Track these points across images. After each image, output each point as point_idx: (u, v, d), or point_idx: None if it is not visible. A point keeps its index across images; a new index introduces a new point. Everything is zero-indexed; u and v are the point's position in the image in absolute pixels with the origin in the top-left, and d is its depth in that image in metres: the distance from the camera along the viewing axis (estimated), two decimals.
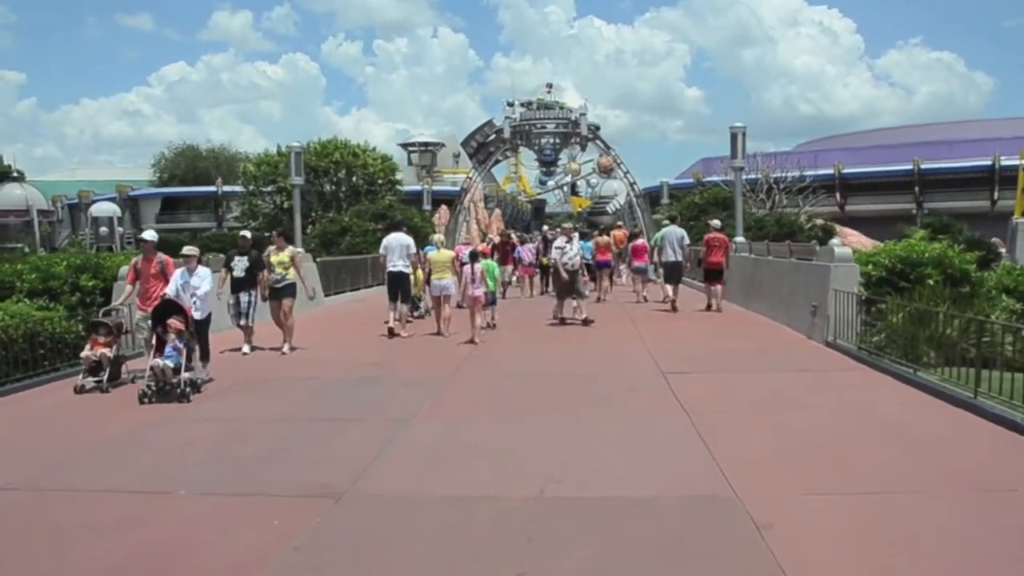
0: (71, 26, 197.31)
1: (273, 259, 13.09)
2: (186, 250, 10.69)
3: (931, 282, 11.63)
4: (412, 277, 15.36)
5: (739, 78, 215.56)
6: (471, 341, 13.42)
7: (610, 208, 76.87)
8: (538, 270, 23.84)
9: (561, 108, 48.84)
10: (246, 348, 12.84)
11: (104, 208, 64.31)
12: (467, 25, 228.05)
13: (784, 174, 44.02)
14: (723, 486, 5.78)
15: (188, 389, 9.16)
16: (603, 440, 7.14)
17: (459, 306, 16.76)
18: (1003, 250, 35.06)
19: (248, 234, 13.43)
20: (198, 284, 10.37)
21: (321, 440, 7.32)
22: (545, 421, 7.86)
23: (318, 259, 22.39)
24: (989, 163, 63.92)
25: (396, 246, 14.64)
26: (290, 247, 13.29)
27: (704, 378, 10.02)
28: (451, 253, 15.30)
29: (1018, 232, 49.49)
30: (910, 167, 66.07)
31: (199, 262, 10.67)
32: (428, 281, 15.21)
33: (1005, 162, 61.45)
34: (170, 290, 10.23)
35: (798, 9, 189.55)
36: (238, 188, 46.74)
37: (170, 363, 9.19)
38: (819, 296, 12.74)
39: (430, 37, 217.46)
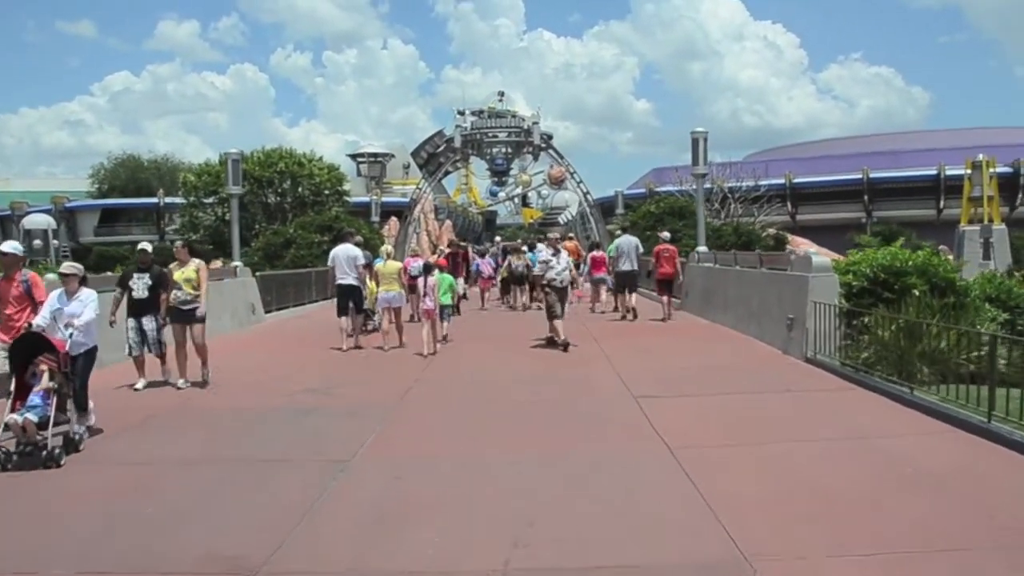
0: (8, 31, 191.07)
1: (177, 275, 10.80)
2: (65, 268, 8.49)
3: (917, 292, 10.82)
4: (366, 289, 14.89)
5: (687, 91, 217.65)
6: (421, 354, 12.94)
7: (562, 219, 76.23)
8: (497, 282, 23.66)
9: (513, 117, 47.80)
10: (140, 383, 10.44)
11: (37, 220, 61.74)
12: (417, 37, 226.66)
13: (739, 184, 43.55)
14: (727, 545, 4.76)
15: (59, 450, 6.92)
16: (577, 486, 6.08)
17: (412, 319, 16.44)
18: (950, 257, 34.97)
19: (148, 246, 11.10)
20: (78, 311, 7.97)
21: (241, 491, 6.13)
22: (507, 462, 6.76)
23: (258, 273, 21.05)
24: (935, 173, 64.59)
25: (344, 258, 14.20)
26: (195, 260, 11.10)
27: (679, 402, 9.04)
28: (399, 265, 14.74)
29: (964, 239, 50.05)
30: (859, 176, 66.52)
31: (82, 282, 8.31)
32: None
33: (950, 172, 62.17)
34: (39, 319, 7.92)
35: (743, 24, 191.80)
36: (180, 200, 45.03)
37: (33, 416, 6.94)
38: (796, 308, 11.87)
39: (380, 48, 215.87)
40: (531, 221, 77.97)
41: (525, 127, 46.71)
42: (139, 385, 10.44)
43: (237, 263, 19.91)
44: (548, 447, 7.21)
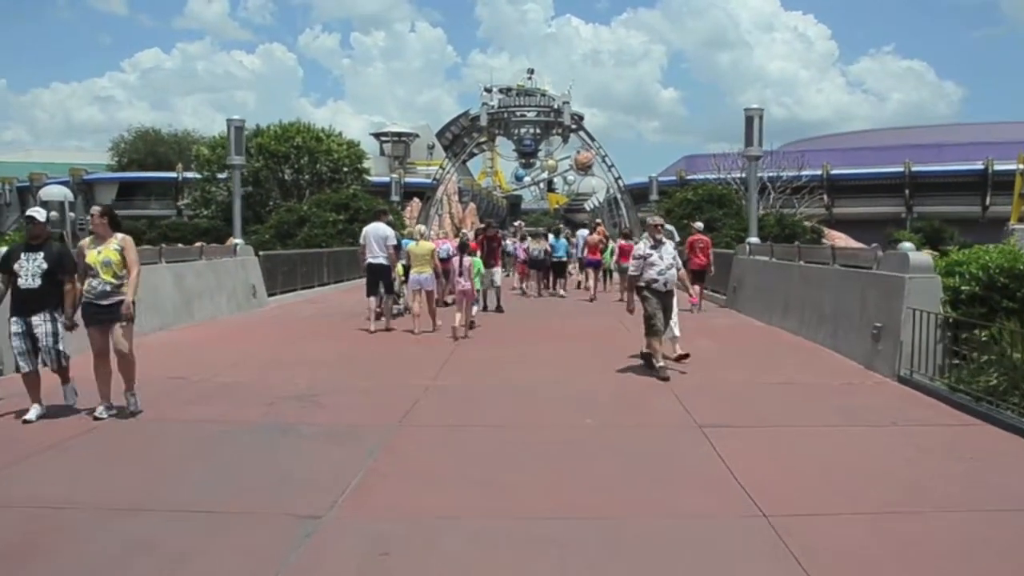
0: (42, 8, 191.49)
1: (91, 256, 7.50)
2: None
3: None
4: (395, 270, 14.35)
5: (715, 80, 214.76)
6: (453, 337, 12.61)
7: (588, 205, 74.33)
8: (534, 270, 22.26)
9: (543, 95, 45.59)
10: (32, 413, 7.33)
11: (54, 192, 59.69)
12: (445, 20, 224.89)
13: (779, 173, 41.29)
14: None
15: None
16: None
17: (444, 303, 15.72)
18: None
19: (41, 213, 7.74)
20: None
21: (157, 567, 4.26)
22: (542, 534, 4.78)
23: (261, 253, 19.21)
24: (982, 167, 61.89)
25: (375, 237, 13.70)
26: (120, 236, 7.71)
27: (758, 437, 7.04)
28: (432, 246, 14.07)
29: (1013, 239, 47.38)
30: (901, 169, 63.88)
31: None
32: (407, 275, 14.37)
33: (999, 167, 59.44)
34: None
35: (773, 14, 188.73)
36: (198, 174, 43.31)
37: None
38: (886, 315, 9.81)
39: (408, 31, 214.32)
40: (556, 206, 76.10)
41: (555, 106, 44.47)
42: (31, 415, 7.31)
43: (237, 241, 18.12)
44: (598, 510, 5.24)
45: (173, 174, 64.33)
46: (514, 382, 9.46)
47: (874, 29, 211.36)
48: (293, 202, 35.58)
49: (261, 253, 19.22)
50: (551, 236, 22.35)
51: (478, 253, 15.26)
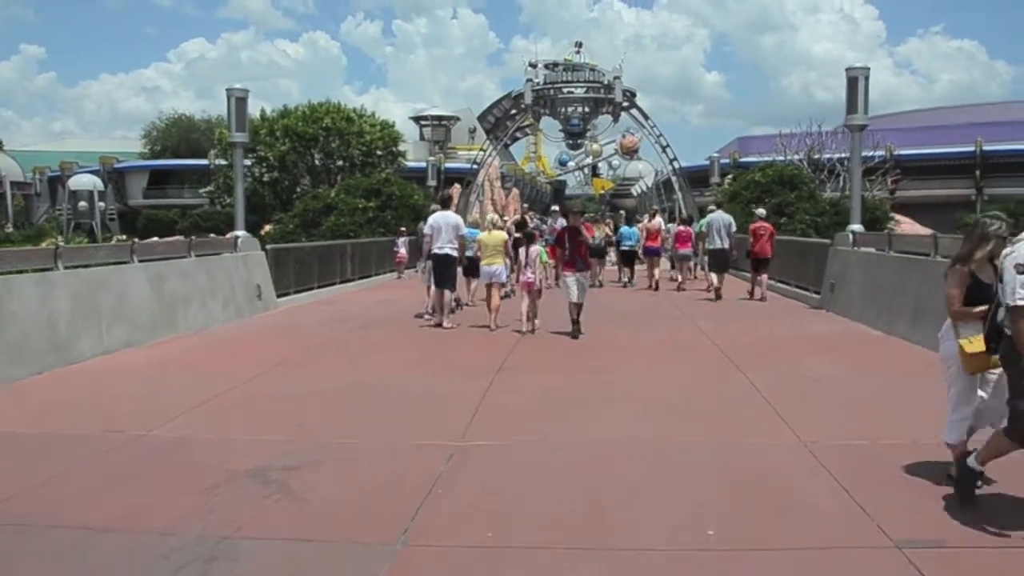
0: (90, 1, 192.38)
1: None
2: None
3: None
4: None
5: (759, 63, 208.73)
6: (519, 331, 12.06)
7: (635, 191, 71.03)
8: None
9: (592, 70, 42.12)
10: None
11: (83, 181, 58.68)
12: (487, 6, 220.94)
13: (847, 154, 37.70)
14: None
15: None
16: None
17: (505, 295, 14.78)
18: None
19: None
20: None
21: None
22: None
23: (268, 247, 16.47)
24: None
25: (444, 226, 12.84)
26: None
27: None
28: (504, 235, 13.46)
29: None
30: (971, 149, 59.42)
31: None
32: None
33: None
34: None
35: None
36: (249, 162, 40.35)
37: None
38: None
39: (450, 18, 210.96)
40: (602, 192, 73.00)
41: (605, 82, 41.03)
42: None
43: (239, 233, 15.34)
44: None
45: (205, 161, 62.14)
46: (581, 443, 6.44)
47: (922, 9, 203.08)
48: (323, 188, 32.97)
49: (269, 247, 16.49)
50: (623, 224, 22.03)
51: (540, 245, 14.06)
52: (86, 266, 11.04)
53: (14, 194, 61.41)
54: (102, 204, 58.73)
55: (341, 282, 20.09)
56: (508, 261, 13.31)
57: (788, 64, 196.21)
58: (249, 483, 5.50)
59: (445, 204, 14.30)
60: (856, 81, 14.32)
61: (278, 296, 16.08)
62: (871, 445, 6.23)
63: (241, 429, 6.90)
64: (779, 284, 18.53)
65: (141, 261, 11.96)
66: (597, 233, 20.08)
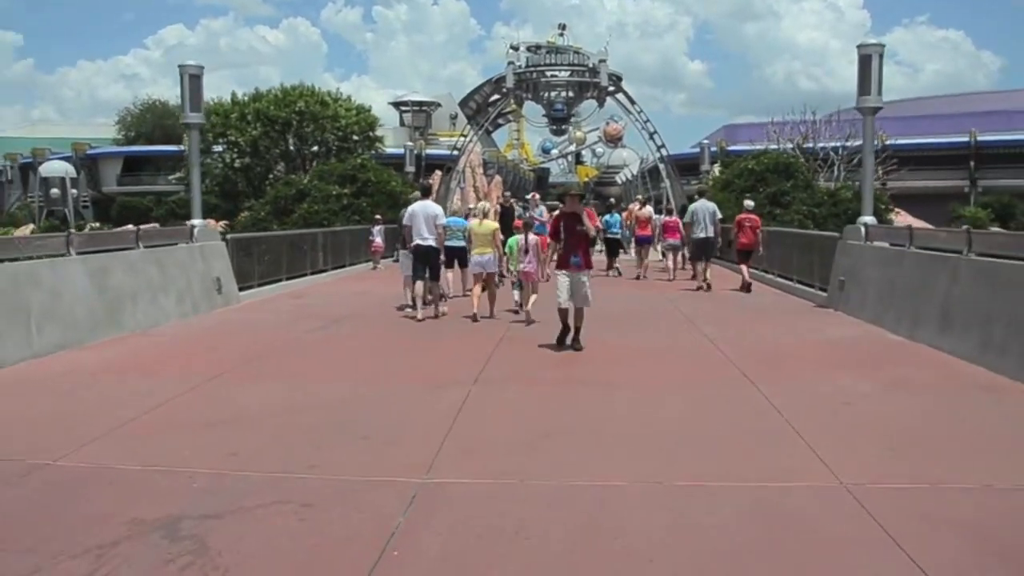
0: None
1: None
2: None
3: None
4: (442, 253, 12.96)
5: (742, 52, 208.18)
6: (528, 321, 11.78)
7: (619, 179, 69.92)
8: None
9: (576, 53, 40.70)
10: None
11: (55, 168, 56.93)
12: None
13: (844, 143, 36.70)
14: None
15: None
16: None
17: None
18: None
19: None
20: None
21: None
22: None
23: (229, 236, 15.20)
24: None
25: (423, 215, 12.36)
26: None
27: None
28: (494, 225, 13.35)
29: None
30: (966, 139, 58.47)
31: None
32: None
33: None
34: None
35: None
36: (220, 148, 38.87)
37: None
38: None
39: (430, 4, 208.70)
40: (586, 180, 71.79)
41: (590, 65, 39.62)
42: None
43: (196, 222, 14.04)
44: None
45: (181, 147, 60.34)
46: (570, 487, 5.19)
47: None
48: (299, 175, 31.61)
49: (230, 236, 15.22)
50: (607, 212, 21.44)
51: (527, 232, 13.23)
52: (14, 259, 9.77)
53: None
54: (74, 191, 57.04)
55: (312, 273, 18.86)
56: (497, 251, 12.92)
57: (772, 53, 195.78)
58: (156, 539, 4.33)
59: (426, 193, 13.64)
60: (869, 59, 13.13)
61: (241, 289, 14.83)
62: (931, 490, 5.08)
63: (163, 458, 5.69)
64: (780, 280, 17.43)
65: (80, 254, 10.69)
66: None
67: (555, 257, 10.01)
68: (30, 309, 9.31)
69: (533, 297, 12.21)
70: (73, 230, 14.49)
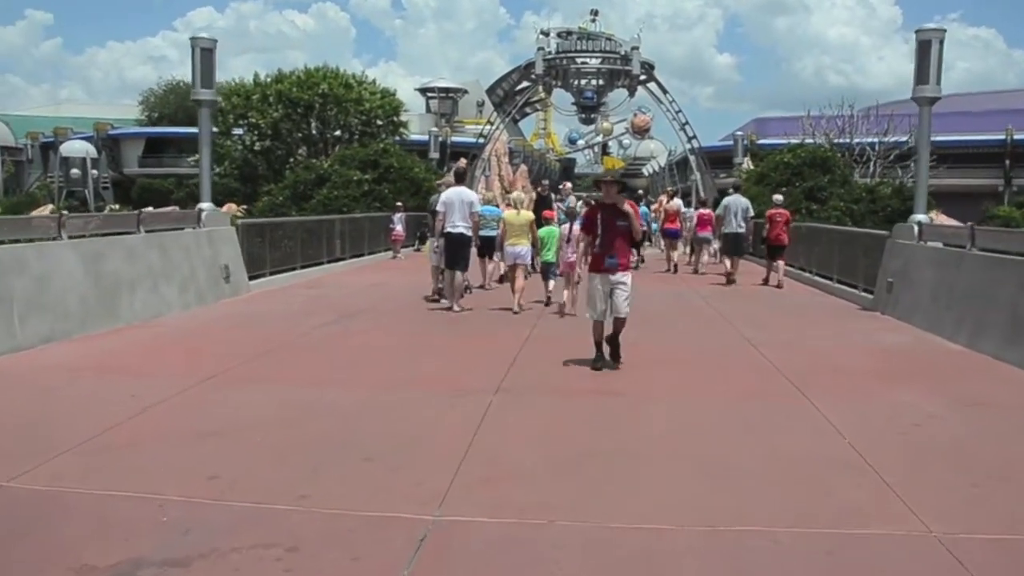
0: None
1: None
2: None
3: None
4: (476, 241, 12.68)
5: (772, 46, 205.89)
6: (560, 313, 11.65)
7: (646, 171, 68.80)
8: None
9: (609, 40, 39.53)
10: None
11: (76, 147, 56.37)
12: None
13: (882, 139, 35.53)
14: None
15: None
16: None
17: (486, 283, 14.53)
18: None
19: None
20: None
21: None
22: None
23: (239, 221, 14.44)
24: None
25: (457, 202, 11.89)
26: None
27: None
28: (531, 215, 12.93)
29: None
30: (1002, 137, 56.85)
31: None
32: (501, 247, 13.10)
33: None
34: None
35: None
36: (240, 131, 38.06)
37: None
38: None
39: None
40: (613, 171, 70.77)
41: (622, 52, 38.47)
42: None
43: (204, 205, 13.28)
44: None
45: None
46: (609, 534, 4.28)
47: None
48: (321, 159, 30.87)
49: (240, 222, 14.47)
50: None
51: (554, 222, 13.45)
52: None
53: (4, 160, 59.16)
54: (95, 172, 56.55)
55: (329, 261, 18.11)
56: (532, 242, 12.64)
57: (801, 47, 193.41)
58: None
59: (460, 179, 13.16)
60: (928, 45, 12.13)
61: (252, 278, 14.10)
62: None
63: (134, 479, 4.91)
64: (820, 279, 16.48)
65: (72, 238, 9.95)
66: None
67: (588, 257, 8.45)
68: (12, 297, 8.58)
69: (568, 292, 11.82)
70: (93, 211, 13.74)
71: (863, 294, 13.79)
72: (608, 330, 8.22)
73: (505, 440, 5.84)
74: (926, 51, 12.20)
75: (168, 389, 6.98)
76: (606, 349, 8.27)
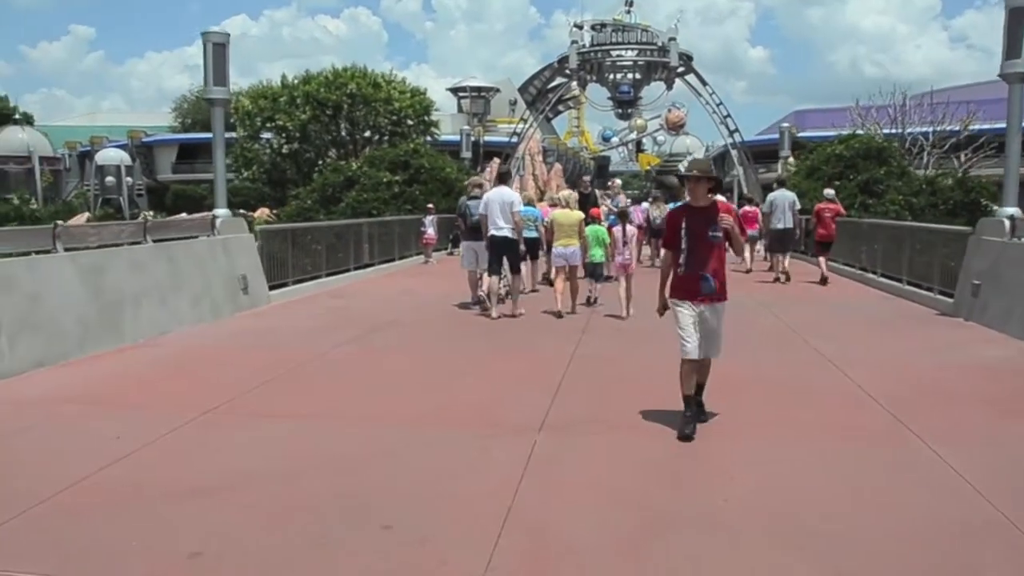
0: None
1: None
2: None
3: None
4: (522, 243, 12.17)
5: (806, 38, 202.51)
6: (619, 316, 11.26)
7: (682, 167, 67.22)
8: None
9: (645, 31, 38.16)
10: None
11: (111, 156, 56.27)
12: None
13: (937, 128, 33.88)
14: None
15: None
16: None
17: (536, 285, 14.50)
18: None
19: None
20: None
21: None
22: None
23: (258, 228, 13.47)
24: None
25: (499, 203, 11.45)
26: None
27: None
28: (580, 215, 12.19)
29: None
30: None
31: None
32: (548, 248, 12.95)
33: None
34: None
35: None
36: (269, 135, 37.12)
37: None
38: None
39: None
40: (648, 168, 69.40)
41: (659, 44, 37.06)
42: None
43: (219, 211, 12.34)
44: None
45: (234, 134, 59.42)
46: None
47: None
48: (350, 161, 29.95)
49: (259, 228, 13.48)
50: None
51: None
52: None
53: (43, 169, 59.22)
54: (129, 179, 56.40)
55: (356, 268, 17.09)
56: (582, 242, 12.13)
57: (835, 38, 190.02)
58: None
59: (503, 179, 12.75)
60: (1020, 14, 10.76)
61: (273, 287, 13.13)
62: None
63: (91, 559, 3.88)
64: (884, 280, 15.14)
65: (69, 249, 9.00)
66: (656, 212, 18.85)
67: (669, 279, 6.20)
68: (0, 319, 7.65)
69: (623, 292, 11.58)
70: (128, 219, 12.90)
71: (940, 297, 12.48)
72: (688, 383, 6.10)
73: (553, 501, 4.69)
74: (1017, 22, 10.84)
75: (159, 426, 5.97)
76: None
